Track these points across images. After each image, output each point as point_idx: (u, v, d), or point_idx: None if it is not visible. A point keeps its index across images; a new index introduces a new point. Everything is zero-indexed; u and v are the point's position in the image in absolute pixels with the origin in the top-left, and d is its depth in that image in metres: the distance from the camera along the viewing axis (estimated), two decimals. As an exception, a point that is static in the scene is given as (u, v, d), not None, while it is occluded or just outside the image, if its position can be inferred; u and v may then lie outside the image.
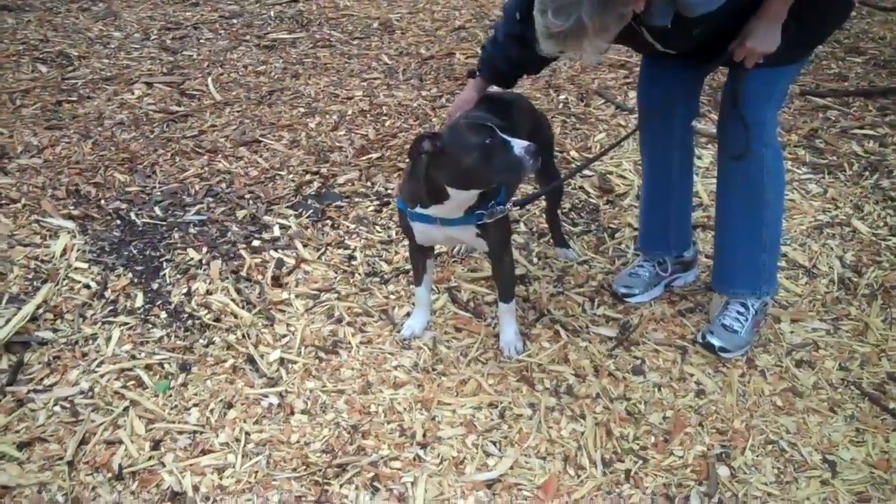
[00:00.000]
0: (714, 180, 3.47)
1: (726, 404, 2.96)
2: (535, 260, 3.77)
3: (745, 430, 2.85)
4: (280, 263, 3.71)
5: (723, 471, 2.70)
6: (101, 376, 3.06)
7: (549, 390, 3.02)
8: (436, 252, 3.70)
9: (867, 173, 4.53)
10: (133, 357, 3.16)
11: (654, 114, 3.22)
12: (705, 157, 4.60)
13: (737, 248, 3.17)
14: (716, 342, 3.14)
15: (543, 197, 3.68)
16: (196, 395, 2.99)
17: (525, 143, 2.61)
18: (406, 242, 3.21)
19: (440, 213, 2.88)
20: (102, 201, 4.21)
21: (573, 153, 4.70)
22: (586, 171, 4.50)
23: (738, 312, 3.17)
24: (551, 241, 3.86)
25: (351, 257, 3.78)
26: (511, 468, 2.70)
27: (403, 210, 2.98)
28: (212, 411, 2.92)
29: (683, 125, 3.24)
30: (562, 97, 5.45)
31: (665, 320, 3.39)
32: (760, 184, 3.00)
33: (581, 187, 4.36)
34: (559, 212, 3.84)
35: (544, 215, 3.91)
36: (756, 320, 3.20)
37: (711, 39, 2.73)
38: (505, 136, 2.62)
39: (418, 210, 2.90)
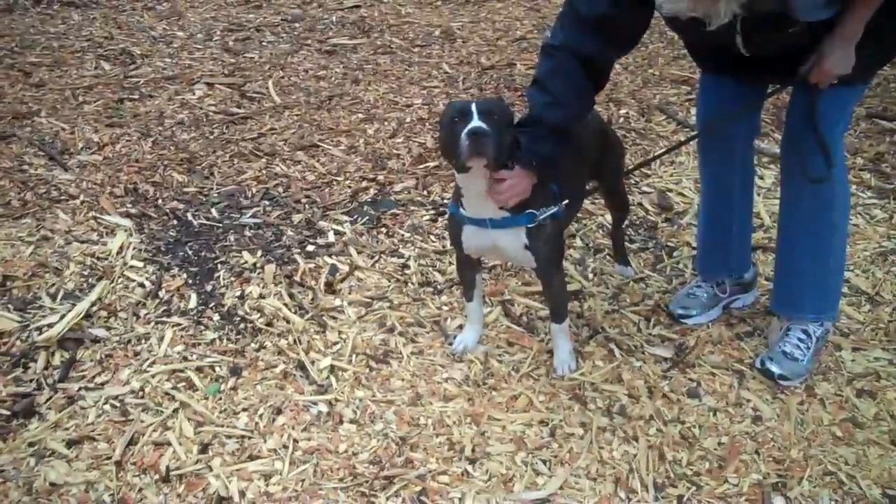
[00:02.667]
0: (776, 200, 3.40)
1: (784, 432, 2.88)
2: (590, 276, 3.72)
3: (802, 460, 2.78)
4: (334, 270, 3.69)
5: (778, 501, 2.62)
6: (153, 376, 3.07)
7: (601, 410, 2.97)
8: (489, 265, 3.67)
9: (934, 199, 4.42)
10: (184, 358, 3.17)
11: (716, 132, 3.15)
12: (767, 176, 4.52)
13: (803, 272, 3.09)
14: (775, 369, 3.07)
15: (609, 213, 3.67)
16: (246, 399, 2.99)
17: (476, 126, 2.49)
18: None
19: (470, 209, 2.81)
20: (160, 201, 4.24)
21: (632, 169, 4.64)
22: (645, 188, 4.44)
23: (800, 339, 3.09)
24: (608, 256, 3.81)
25: (405, 266, 3.76)
26: (560, 488, 2.65)
27: (454, 213, 2.91)
28: (261, 416, 2.91)
29: (745, 144, 3.18)
30: (623, 112, 5.39)
31: (722, 343, 3.31)
32: (830, 207, 2.94)
33: (640, 204, 4.30)
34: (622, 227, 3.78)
35: (604, 231, 3.87)
36: (817, 348, 3.12)
37: (791, 52, 2.66)
38: (471, 119, 2.52)
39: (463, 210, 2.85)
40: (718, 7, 2.39)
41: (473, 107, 2.55)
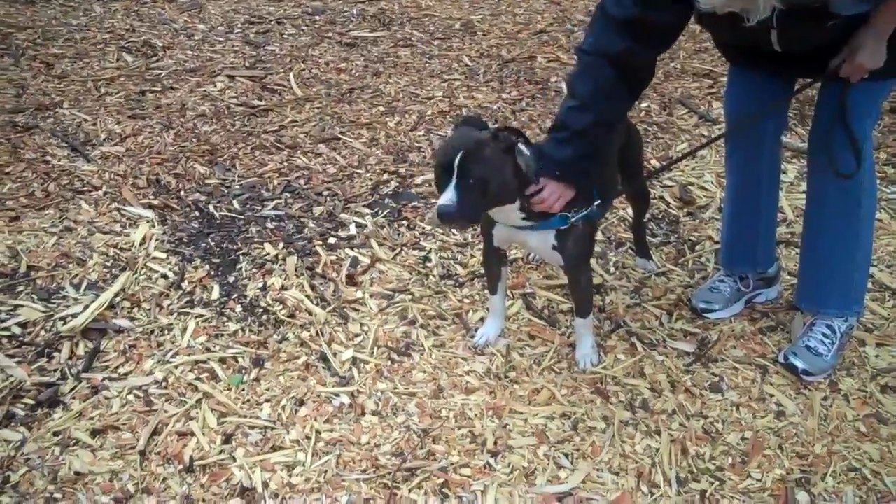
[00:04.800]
0: (799, 195, 3.37)
1: (807, 427, 2.87)
2: (612, 270, 3.71)
3: (826, 456, 2.77)
4: (355, 262, 3.70)
5: (802, 496, 2.62)
6: (176, 367, 3.08)
7: (623, 404, 2.97)
8: (511, 258, 3.66)
9: (959, 195, 4.39)
10: (207, 349, 3.18)
11: (744, 125, 3.13)
12: (790, 171, 4.50)
13: (829, 266, 3.09)
14: (799, 364, 3.06)
15: (629, 207, 3.64)
16: (268, 390, 2.99)
17: (445, 202, 2.47)
18: (481, 247, 3.16)
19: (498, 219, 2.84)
20: (182, 192, 4.25)
21: (654, 162, 4.63)
22: (667, 182, 4.42)
23: (824, 335, 3.08)
24: (630, 250, 3.80)
25: (426, 259, 3.76)
26: (583, 482, 2.65)
27: None
28: (283, 408, 2.91)
29: (774, 138, 3.16)
30: (644, 105, 5.37)
31: (745, 338, 3.30)
32: (857, 201, 2.93)
33: (661, 198, 4.29)
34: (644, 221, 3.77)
35: (626, 224, 3.87)
36: (842, 343, 3.11)
37: (822, 48, 2.64)
38: (449, 182, 2.50)
39: None
40: (758, 1, 2.36)
41: (455, 162, 2.48)
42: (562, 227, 2.79)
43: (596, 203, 2.83)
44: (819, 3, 2.39)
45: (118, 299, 3.41)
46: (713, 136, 4.92)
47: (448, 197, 2.47)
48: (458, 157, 2.48)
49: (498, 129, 2.66)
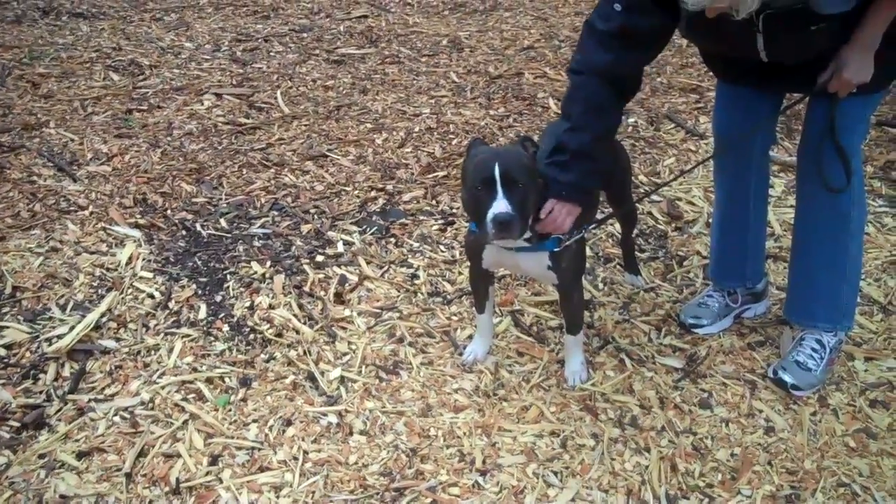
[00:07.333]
0: (787, 209, 3.35)
1: (796, 443, 2.87)
2: (600, 286, 3.70)
3: (815, 471, 2.76)
4: (343, 280, 3.69)
5: (792, 513, 2.62)
6: (162, 388, 3.06)
7: (612, 421, 2.95)
8: (498, 275, 3.65)
9: (946, 208, 4.40)
10: (194, 370, 3.16)
11: (733, 141, 3.14)
12: (777, 185, 4.50)
13: (819, 280, 3.08)
14: (788, 379, 3.05)
15: (616, 223, 3.63)
16: (255, 410, 2.97)
17: (504, 209, 2.49)
18: (468, 265, 3.16)
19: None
20: (169, 211, 4.24)
21: (642, 177, 4.63)
22: (654, 197, 4.42)
23: (813, 349, 3.08)
24: (618, 266, 3.80)
25: (414, 276, 3.75)
26: (572, 500, 2.63)
27: (475, 232, 2.86)
28: (271, 428, 2.89)
29: (762, 153, 3.17)
30: (631, 120, 5.38)
31: (734, 353, 3.30)
32: (847, 215, 2.93)
33: (649, 213, 4.28)
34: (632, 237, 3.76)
35: (614, 240, 3.87)
36: (831, 358, 3.10)
37: (810, 58, 2.65)
38: (497, 190, 2.50)
39: None
40: None
41: (496, 173, 2.50)
42: (555, 250, 2.80)
43: (592, 227, 2.85)
44: (800, 4, 2.41)
45: (104, 320, 3.39)
46: (700, 150, 4.94)
47: (502, 205, 2.49)
48: (500, 168, 2.51)
49: (523, 139, 2.76)
